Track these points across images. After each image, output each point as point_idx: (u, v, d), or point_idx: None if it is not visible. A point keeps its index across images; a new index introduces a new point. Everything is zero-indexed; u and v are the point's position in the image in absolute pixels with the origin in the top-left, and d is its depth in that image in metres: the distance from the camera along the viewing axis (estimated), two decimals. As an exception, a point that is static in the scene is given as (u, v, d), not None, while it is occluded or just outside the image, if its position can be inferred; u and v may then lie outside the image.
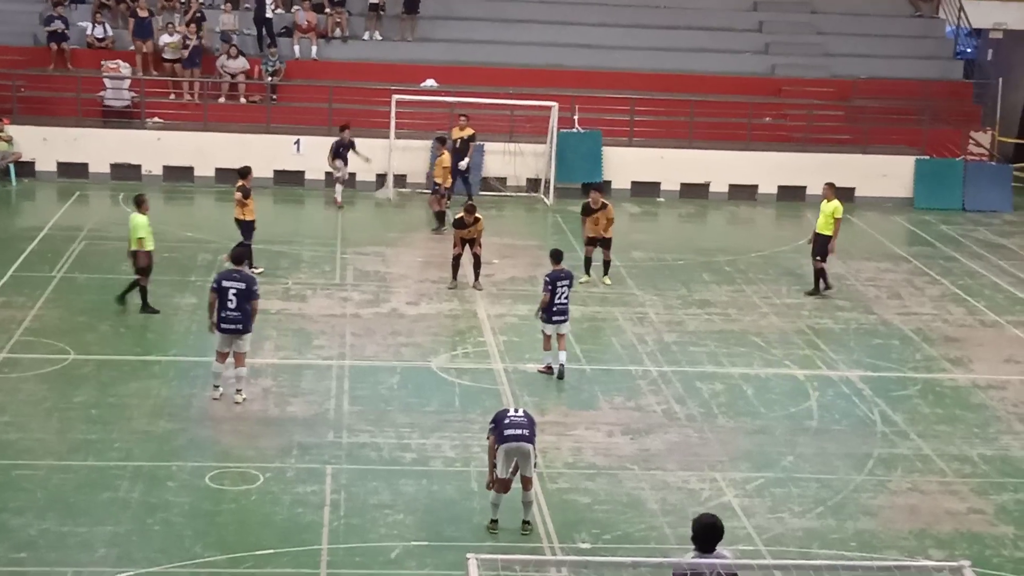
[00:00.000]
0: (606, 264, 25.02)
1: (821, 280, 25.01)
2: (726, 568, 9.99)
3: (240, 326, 18.20)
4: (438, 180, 28.34)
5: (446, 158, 28.50)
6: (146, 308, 22.06)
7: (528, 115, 32.66)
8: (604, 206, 24.66)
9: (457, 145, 30.31)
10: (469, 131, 30.53)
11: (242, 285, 18.13)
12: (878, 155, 33.90)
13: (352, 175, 30.81)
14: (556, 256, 20.34)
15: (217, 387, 18.54)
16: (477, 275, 24.21)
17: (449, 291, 23.98)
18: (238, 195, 24.34)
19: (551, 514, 15.47)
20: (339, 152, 29.95)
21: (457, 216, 24.36)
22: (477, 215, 24.03)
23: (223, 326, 18.23)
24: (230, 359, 18.51)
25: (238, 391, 18.44)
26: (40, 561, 13.99)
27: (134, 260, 22.13)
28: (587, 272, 24.88)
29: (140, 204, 22.18)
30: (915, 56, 37.98)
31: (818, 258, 24.88)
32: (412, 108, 32.25)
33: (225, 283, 18.17)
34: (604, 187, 25.68)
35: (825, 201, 24.97)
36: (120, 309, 22.08)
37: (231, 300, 18.07)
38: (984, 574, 14.48)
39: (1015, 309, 24.84)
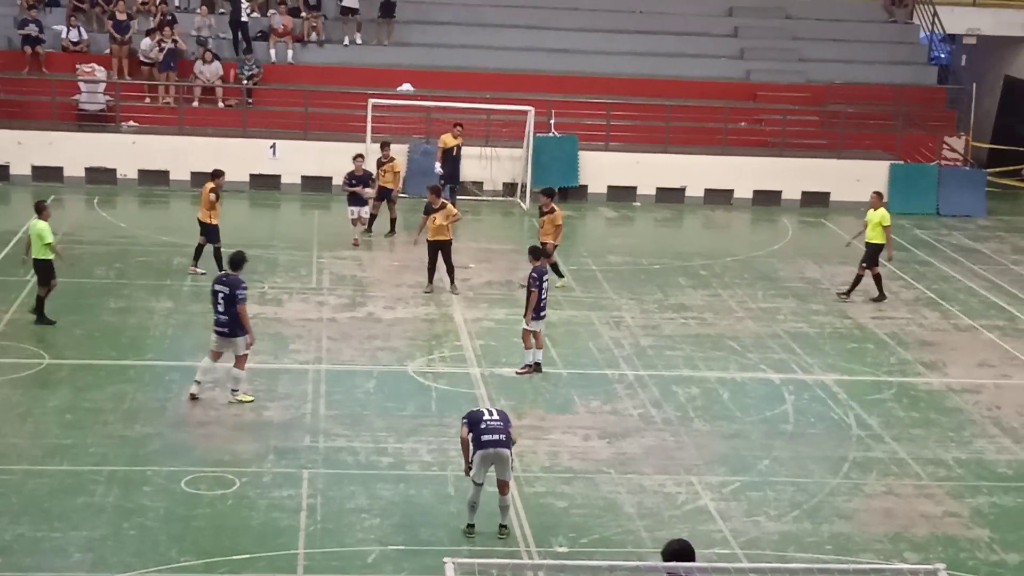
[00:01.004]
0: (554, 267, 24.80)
1: (877, 287, 25.16)
2: (702, 571, 10.03)
3: (227, 329, 18.36)
4: (390, 185, 28.19)
5: (398, 163, 28.51)
6: (41, 319, 21.40)
7: (504, 119, 32.66)
8: (552, 211, 24.35)
9: (454, 153, 30.40)
10: (461, 140, 30.70)
11: (226, 290, 18.25)
12: (853, 160, 34.00)
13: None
14: (536, 253, 20.37)
15: (198, 382, 18.52)
16: (452, 279, 24.19)
17: (425, 295, 23.96)
18: (212, 196, 24.27)
19: (528, 518, 15.47)
20: (351, 184, 27.16)
21: (427, 203, 24.33)
22: (444, 199, 24.09)
23: (215, 328, 18.47)
24: (222, 362, 18.69)
25: (233, 391, 18.58)
26: (15, 566, 13.91)
27: (36, 269, 21.59)
28: (559, 275, 24.74)
29: (41, 211, 21.72)
30: (889, 61, 38.15)
31: (865, 264, 25.08)
32: (388, 112, 32.23)
33: (215, 287, 18.44)
34: (552, 192, 25.20)
35: (871, 210, 25.12)
36: (58, 322, 21.67)
37: (219, 304, 18.30)
38: (959, 577, 14.56)
39: (989, 313, 24.96)
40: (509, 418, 15.18)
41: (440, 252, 24.04)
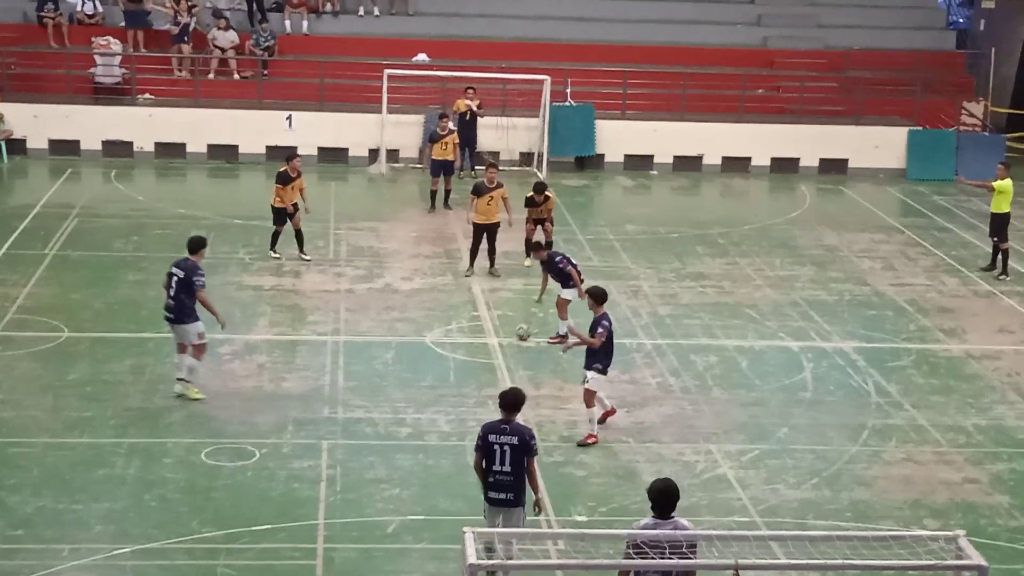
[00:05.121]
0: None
1: (1001, 262, 24.89)
2: (689, 539, 10.15)
3: (173, 316, 17.36)
4: (450, 158, 28.02)
5: (456, 135, 28.45)
6: None
7: (521, 89, 32.58)
8: (548, 197, 23.71)
9: (467, 117, 30.36)
10: (478, 101, 30.64)
11: (182, 274, 17.29)
12: (871, 126, 33.87)
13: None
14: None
15: (179, 380, 17.72)
16: (492, 261, 23.58)
17: (465, 276, 23.53)
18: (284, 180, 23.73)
19: (547, 487, 15.46)
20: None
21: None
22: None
23: (164, 313, 17.56)
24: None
25: (178, 379, 17.64)
26: (37, 538, 14.00)
27: None
28: (528, 255, 23.99)
29: None
30: (908, 27, 37.92)
31: (995, 239, 24.94)
32: (404, 83, 32.18)
33: (172, 269, 17.48)
34: (545, 186, 24.25)
35: (999, 180, 24.91)
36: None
37: (171, 288, 17.31)
38: (979, 543, 14.49)
39: (1008, 279, 24.83)
40: (528, 440, 12.88)
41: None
